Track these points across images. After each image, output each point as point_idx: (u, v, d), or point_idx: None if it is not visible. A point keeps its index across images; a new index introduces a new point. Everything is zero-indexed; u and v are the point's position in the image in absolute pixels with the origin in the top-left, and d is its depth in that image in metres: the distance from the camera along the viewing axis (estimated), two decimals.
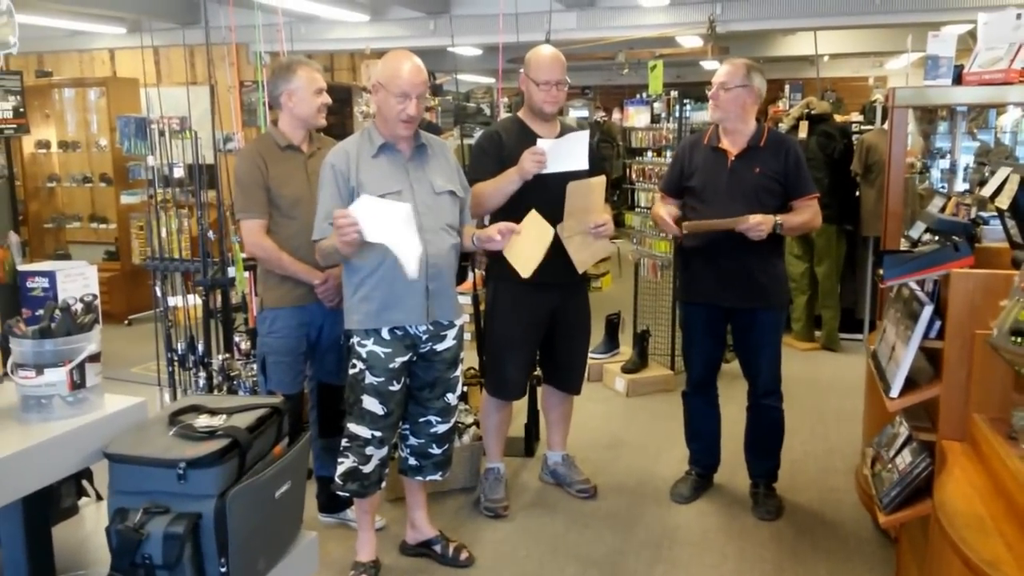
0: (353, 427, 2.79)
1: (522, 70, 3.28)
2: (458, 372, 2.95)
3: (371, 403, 2.76)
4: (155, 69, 8.29)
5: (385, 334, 2.74)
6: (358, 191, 2.64)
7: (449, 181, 2.84)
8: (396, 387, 2.79)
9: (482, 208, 3.19)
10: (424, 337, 2.80)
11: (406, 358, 2.79)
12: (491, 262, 3.40)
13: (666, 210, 3.40)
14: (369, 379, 2.75)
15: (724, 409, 3.61)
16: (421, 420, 2.92)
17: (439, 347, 2.84)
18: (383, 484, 2.92)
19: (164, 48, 8.25)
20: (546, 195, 3.04)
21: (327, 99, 3.06)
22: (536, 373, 3.77)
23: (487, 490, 3.51)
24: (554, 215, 3.04)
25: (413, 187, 2.73)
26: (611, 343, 5.41)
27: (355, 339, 2.77)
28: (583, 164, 3.07)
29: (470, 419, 3.75)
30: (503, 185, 3.09)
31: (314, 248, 2.77)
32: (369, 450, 2.80)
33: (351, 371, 2.79)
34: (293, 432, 1.82)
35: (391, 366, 2.75)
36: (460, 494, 3.64)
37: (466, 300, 5.49)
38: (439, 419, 2.93)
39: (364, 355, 2.75)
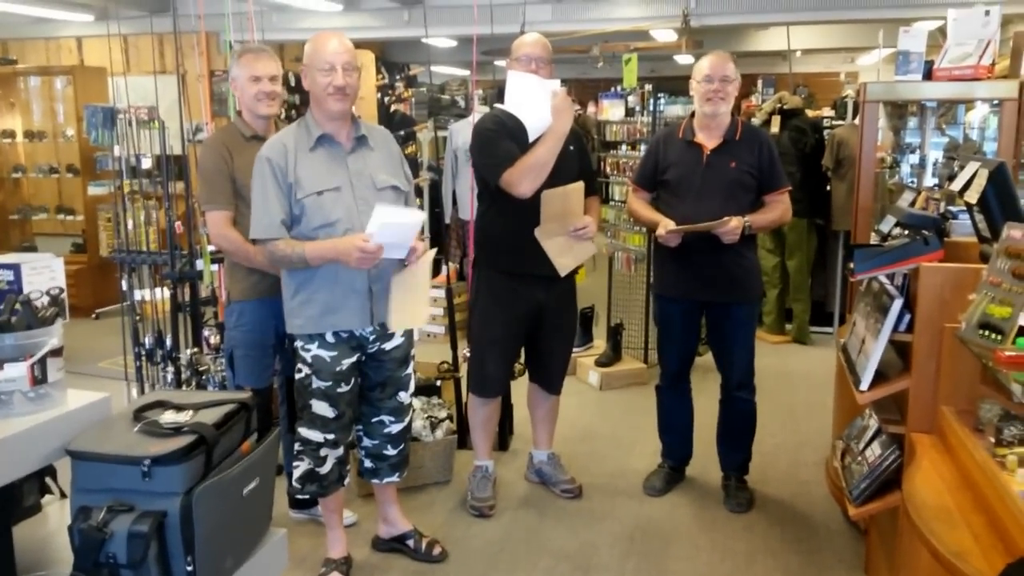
0: (305, 432, 2.74)
1: (508, 61, 3.26)
2: (410, 370, 2.90)
3: (321, 407, 2.70)
4: (123, 58, 8.14)
5: (330, 337, 2.66)
6: (295, 188, 2.56)
7: (393, 175, 2.74)
8: (345, 388, 2.72)
9: (541, 175, 3.03)
10: (371, 338, 2.73)
11: (353, 359, 2.72)
12: (478, 252, 3.37)
13: (643, 204, 3.41)
14: (316, 383, 2.68)
15: (697, 402, 3.62)
16: (374, 420, 2.87)
17: (387, 346, 2.78)
18: (346, 481, 2.89)
19: (132, 36, 8.09)
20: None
21: (267, 87, 2.96)
22: (516, 365, 3.75)
23: (474, 488, 3.48)
24: (556, 183, 3.08)
25: (352, 182, 2.64)
26: (585, 336, 5.42)
27: (299, 343, 2.69)
28: (545, 108, 3.05)
29: (443, 413, 3.73)
30: (555, 144, 3.02)
31: None
32: (323, 452, 2.75)
33: (297, 376, 2.72)
34: (262, 428, 1.80)
35: (338, 369, 2.68)
36: (433, 488, 3.63)
37: (439, 294, 5.49)
38: (392, 419, 2.88)
39: (309, 359, 2.68)
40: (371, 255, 2.47)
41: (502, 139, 3.12)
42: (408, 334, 2.87)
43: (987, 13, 3.52)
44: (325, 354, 2.67)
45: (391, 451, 2.92)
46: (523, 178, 3.03)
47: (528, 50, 3.15)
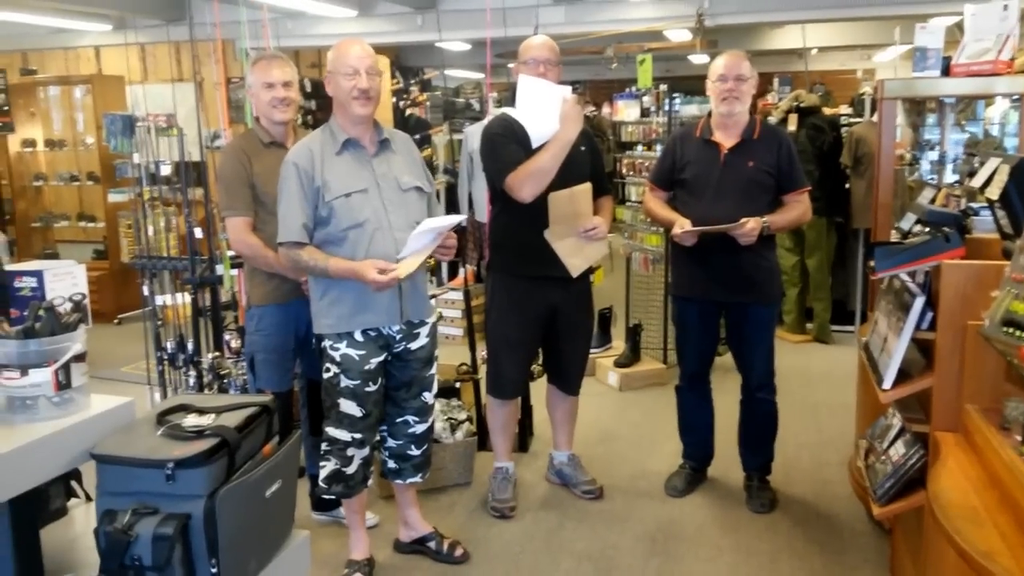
0: (332, 431, 2.76)
1: (514, 64, 3.24)
2: (433, 370, 2.92)
3: (348, 406, 2.73)
4: (141, 66, 8.23)
5: (358, 336, 2.69)
6: (323, 191, 2.61)
7: (416, 177, 2.79)
8: (373, 388, 2.75)
9: (544, 181, 3.03)
10: (398, 337, 2.76)
11: (381, 358, 2.75)
12: (492, 255, 3.37)
13: (660, 204, 3.39)
14: (345, 382, 2.71)
15: (717, 402, 3.60)
16: (399, 421, 2.89)
17: (413, 346, 2.81)
18: (369, 482, 2.90)
19: (149, 45, 8.19)
20: (557, 173, 3.03)
21: (280, 92, 2.98)
22: (533, 367, 3.74)
23: (495, 490, 3.47)
24: (567, 183, 3.06)
25: (379, 184, 2.68)
26: (603, 337, 5.41)
27: (327, 343, 2.72)
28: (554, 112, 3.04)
29: (463, 415, 3.73)
30: (560, 149, 3.00)
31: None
32: (350, 452, 2.77)
33: (325, 375, 2.75)
34: (283, 430, 1.81)
35: (366, 368, 2.71)
36: (454, 490, 3.63)
37: (458, 296, 5.50)
38: (417, 419, 2.90)
39: (338, 359, 2.70)
40: (387, 283, 2.53)
41: (509, 143, 3.12)
42: (433, 334, 2.89)
43: (1005, 7, 3.48)
44: (354, 353, 2.69)
45: (415, 451, 2.94)
46: (525, 183, 3.04)
47: (536, 53, 3.14)
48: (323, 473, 2.79)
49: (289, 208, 2.63)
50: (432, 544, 3.08)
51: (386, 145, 2.76)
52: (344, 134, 2.68)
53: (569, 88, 3.08)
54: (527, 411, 4.07)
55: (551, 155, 3.01)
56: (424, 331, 2.83)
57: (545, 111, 3.05)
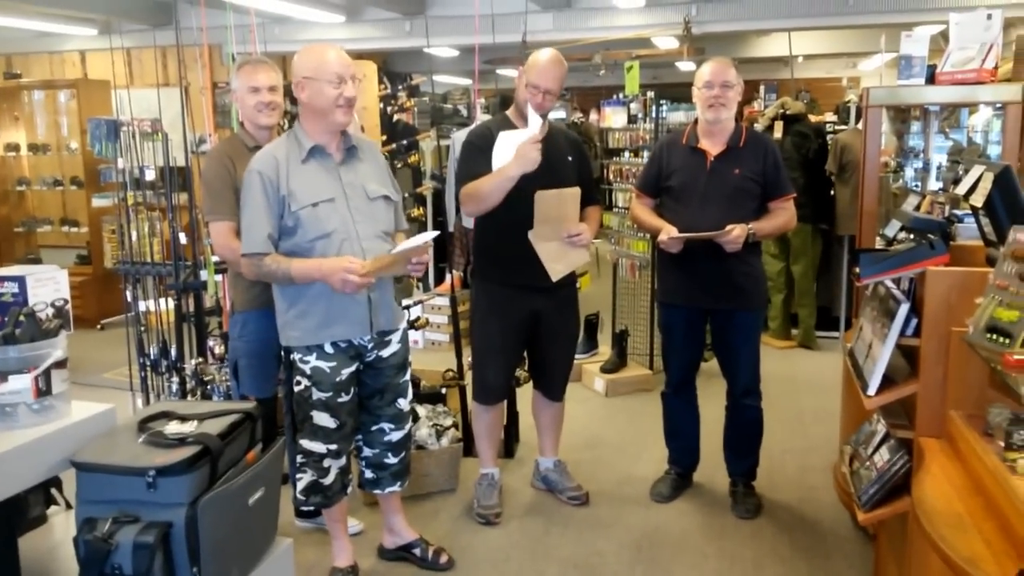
0: (307, 444, 2.72)
1: (521, 68, 3.24)
2: (407, 376, 2.89)
3: (322, 418, 2.69)
4: (126, 71, 8.18)
5: (328, 348, 2.65)
6: (289, 200, 2.55)
7: (382, 185, 2.74)
8: (346, 398, 2.71)
9: (481, 207, 3.06)
10: (369, 346, 2.72)
11: (352, 368, 2.71)
12: (475, 262, 3.37)
13: (646, 211, 3.40)
14: (317, 395, 2.67)
15: (703, 408, 3.61)
16: (374, 429, 2.86)
17: (385, 353, 2.77)
18: (348, 490, 2.88)
19: (135, 49, 8.14)
20: (542, 182, 2.99)
21: (266, 97, 2.97)
22: (518, 373, 3.74)
23: (480, 496, 3.46)
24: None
25: (346, 193, 2.63)
26: (590, 343, 5.41)
27: (296, 356, 2.67)
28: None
29: (449, 421, 3.72)
30: (501, 182, 2.97)
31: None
32: (326, 463, 2.74)
33: (296, 388, 2.70)
34: (267, 437, 1.80)
35: (338, 379, 2.67)
36: (439, 496, 3.61)
37: (444, 302, 5.49)
38: (392, 426, 2.87)
39: (308, 372, 2.66)
40: (356, 282, 2.47)
41: (477, 153, 3.13)
42: (404, 340, 2.87)
43: (989, 17, 3.51)
44: (324, 365, 2.66)
45: (392, 459, 2.91)
46: (466, 201, 3.09)
47: (539, 79, 3.08)
48: (300, 485, 2.76)
49: (253, 219, 2.56)
50: (417, 551, 3.06)
51: (353, 153, 2.70)
52: (310, 141, 2.62)
53: (540, 124, 3.02)
54: (513, 417, 4.06)
55: (491, 184, 3.00)
56: (395, 337, 2.80)
57: (511, 142, 3.00)
